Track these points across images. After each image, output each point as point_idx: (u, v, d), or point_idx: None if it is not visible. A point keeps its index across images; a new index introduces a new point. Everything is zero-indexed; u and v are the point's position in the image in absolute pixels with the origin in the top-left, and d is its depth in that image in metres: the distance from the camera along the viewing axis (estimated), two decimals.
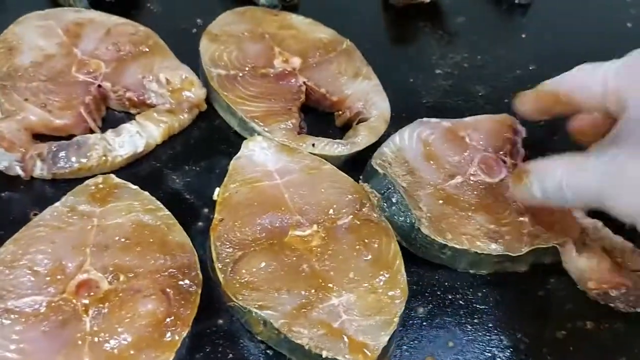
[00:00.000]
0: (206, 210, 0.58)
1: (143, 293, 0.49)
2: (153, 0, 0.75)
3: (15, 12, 0.67)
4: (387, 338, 0.48)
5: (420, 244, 0.55)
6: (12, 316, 0.47)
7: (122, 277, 0.50)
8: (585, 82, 0.50)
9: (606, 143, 0.48)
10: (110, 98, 0.63)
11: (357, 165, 0.60)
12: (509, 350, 0.52)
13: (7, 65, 0.62)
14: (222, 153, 0.62)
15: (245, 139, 0.60)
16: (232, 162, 0.58)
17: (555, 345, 0.53)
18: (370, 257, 0.52)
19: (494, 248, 0.54)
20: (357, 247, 0.52)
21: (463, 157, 0.59)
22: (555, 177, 0.48)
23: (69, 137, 0.60)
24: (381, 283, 0.51)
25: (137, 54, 0.65)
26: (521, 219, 0.55)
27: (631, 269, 0.54)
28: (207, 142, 0.63)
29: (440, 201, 0.56)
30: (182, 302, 0.49)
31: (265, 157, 0.58)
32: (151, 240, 0.52)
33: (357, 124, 0.63)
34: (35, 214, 0.54)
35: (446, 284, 0.55)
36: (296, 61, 0.66)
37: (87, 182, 0.56)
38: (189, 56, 0.66)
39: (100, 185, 0.56)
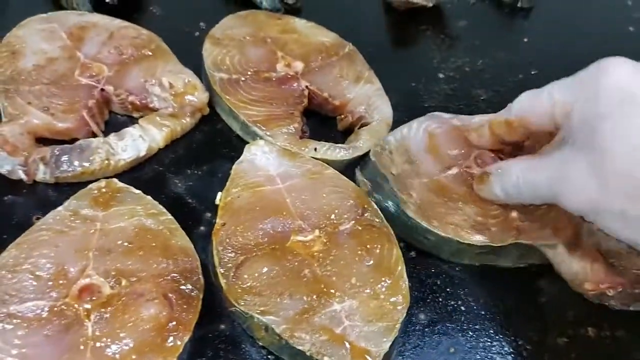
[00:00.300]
0: (208, 214, 0.58)
1: (145, 297, 0.49)
2: (156, 3, 0.75)
3: (18, 16, 0.67)
4: (389, 344, 0.48)
5: (406, 224, 0.56)
6: (14, 321, 0.47)
7: (124, 282, 0.50)
8: (533, 102, 0.52)
9: (554, 146, 0.52)
10: (113, 102, 0.63)
11: None
12: (510, 357, 0.52)
13: (10, 68, 0.62)
14: (225, 157, 0.62)
15: (248, 143, 0.60)
16: (234, 166, 0.58)
17: (557, 351, 0.53)
18: (372, 262, 0.52)
19: (478, 239, 0.54)
20: (359, 252, 0.52)
21: (462, 151, 0.59)
22: (512, 177, 0.52)
23: (72, 140, 0.60)
24: (383, 289, 0.51)
25: (140, 57, 0.65)
26: (512, 214, 0.55)
27: (628, 269, 0.54)
28: (210, 146, 0.63)
29: (432, 191, 0.57)
30: (184, 306, 0.49)
31: (268, 161, 0.58)
32: (153, 244, 0.52)
33: (360, 128, 0.63)
34: (38, 218, 0.54)
35: (448, 290, 0.55)
36: (298, 65, 0.66)
37: (90, 186, 0.56)
38: (192, 60, 0.66)
39: (103, 190, 0.56)
